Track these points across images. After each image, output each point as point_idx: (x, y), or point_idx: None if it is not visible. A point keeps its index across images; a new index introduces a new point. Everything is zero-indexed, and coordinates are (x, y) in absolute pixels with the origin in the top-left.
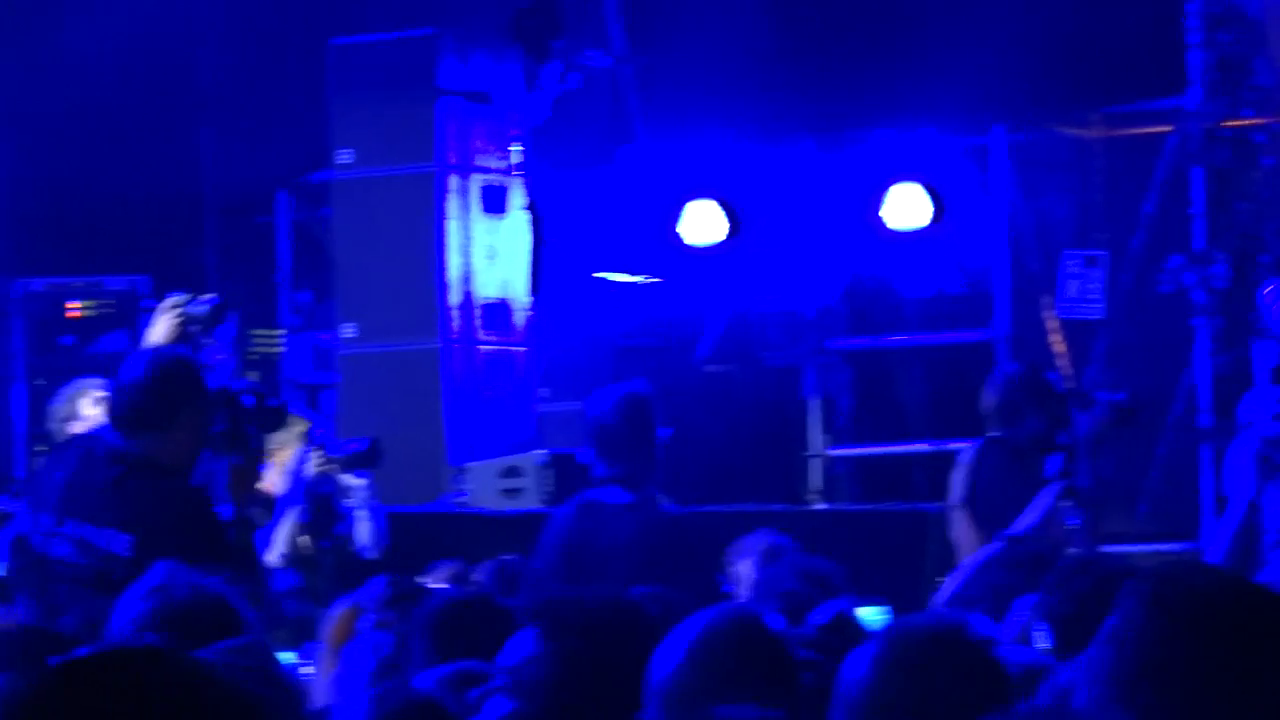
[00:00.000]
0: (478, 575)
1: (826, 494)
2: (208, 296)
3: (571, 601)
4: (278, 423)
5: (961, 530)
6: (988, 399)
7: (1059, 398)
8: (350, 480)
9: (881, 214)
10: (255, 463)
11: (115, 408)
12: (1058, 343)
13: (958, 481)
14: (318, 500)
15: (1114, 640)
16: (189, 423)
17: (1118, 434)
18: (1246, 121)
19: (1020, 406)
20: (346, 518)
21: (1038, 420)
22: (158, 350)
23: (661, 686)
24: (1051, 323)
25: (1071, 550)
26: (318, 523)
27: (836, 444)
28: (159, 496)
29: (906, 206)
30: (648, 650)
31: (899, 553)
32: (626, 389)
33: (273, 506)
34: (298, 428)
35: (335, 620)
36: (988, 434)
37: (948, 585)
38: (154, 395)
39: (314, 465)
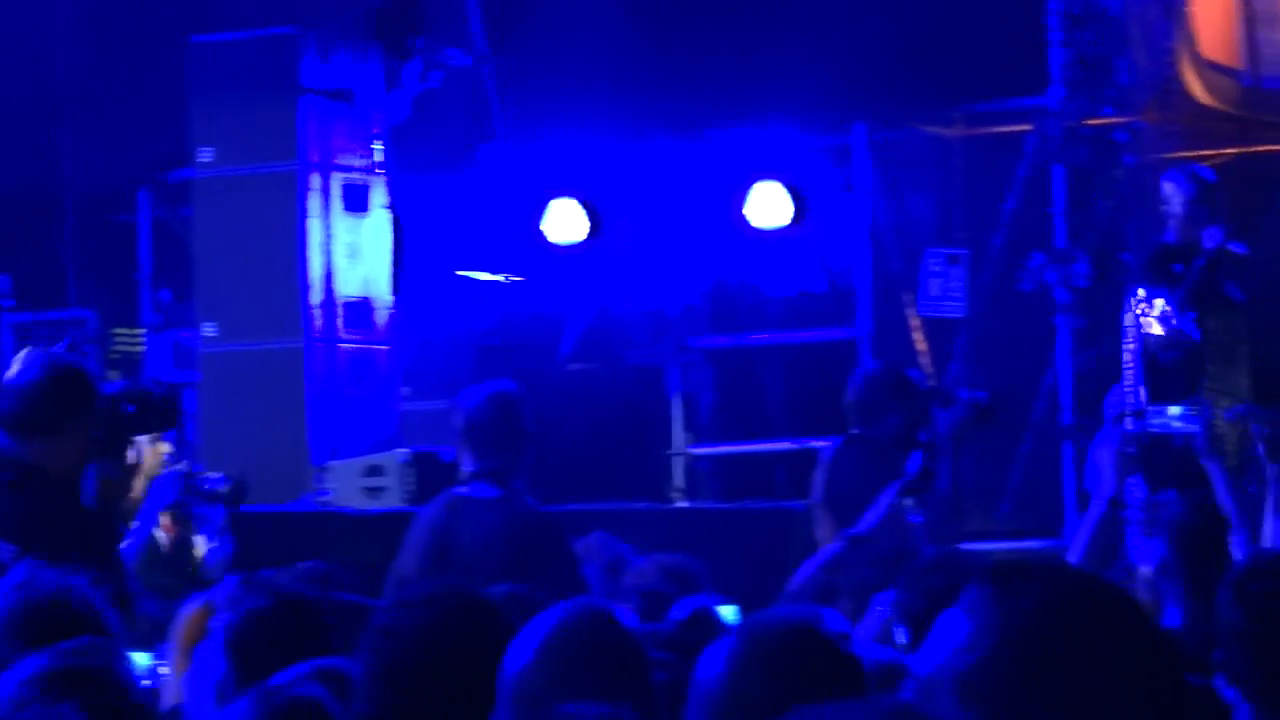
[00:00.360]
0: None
1: (689, 492)
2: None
3: (417, 597)
4: (172, 416)
5: (824, 528)
6: (849, 397)
7: (920, 395)
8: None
9: (744, 213)
10: (130, 473)
11: (5, 411)
12: (919, 341)
13: (819, 479)
14: (176, 516)
15: (956, 638)
16: (78, 430)
17: (978, 432)
18: (1107, 120)
19: (881, 404)
20: (202, 530)
21: (898, 418)
22: (52, 355)
23: (512, 683)
24: (913, 321)
25: (920, 547)
26: (176, 538)
27: (699, 442)
28: (46, 507)
29: (769, 205)
30: (494, 646)
31: (762, 551)
32: (496, 386)
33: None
34: (160, 447)
35: (187, 620)
36: (849, 432)
37: (792, 582)
38: (46, 400)
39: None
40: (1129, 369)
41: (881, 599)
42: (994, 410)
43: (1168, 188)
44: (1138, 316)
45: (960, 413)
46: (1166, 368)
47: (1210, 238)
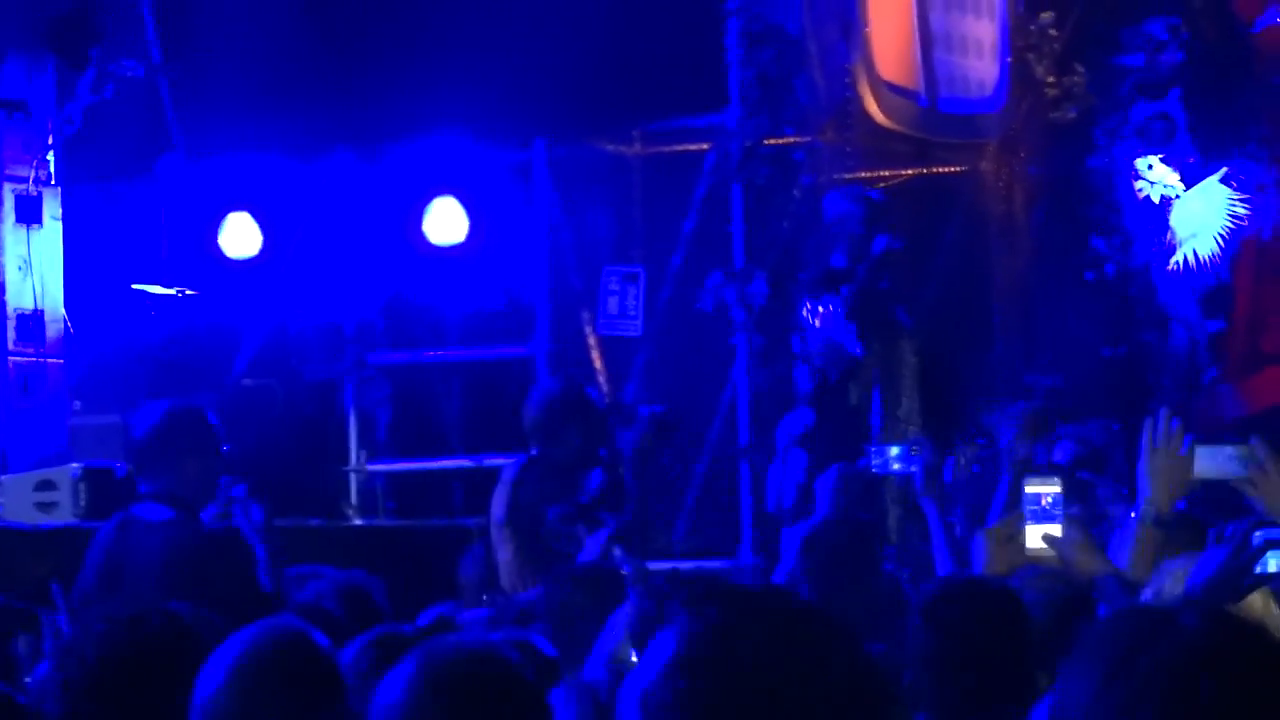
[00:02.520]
0: None
1: (364, 509)
2: None
3: (97, 618)
4: None
5: (506, 547)
6: (528, 415)
7: (599, 414)
8: None
9: (423, 228)
10: None
11: None
12: (597, 359)
13: (499, 498)
14: None
15: (658, 659)
16: None
17: (660, 446)
18: (786, 140)
19: (561, 423)
20: None
21: (579, 437)
22: None
23: (203, 708)
24: (591, 339)
25: (616, 567)
26: None
27: (375, 459)
28: None
29: (447, 221)
30: (171, 668)
31: (438, 569)
32: (168, 405)
33: None
34: None
35: None
36: (529, 451)
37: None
38: None
39: None
40: (802, 390)
41: (615, 620)
42: (673, 425)
43: (837, 209)
44: (804, 335)
45: (641, 429)
46: (834, 387)
47: (878, 245)
